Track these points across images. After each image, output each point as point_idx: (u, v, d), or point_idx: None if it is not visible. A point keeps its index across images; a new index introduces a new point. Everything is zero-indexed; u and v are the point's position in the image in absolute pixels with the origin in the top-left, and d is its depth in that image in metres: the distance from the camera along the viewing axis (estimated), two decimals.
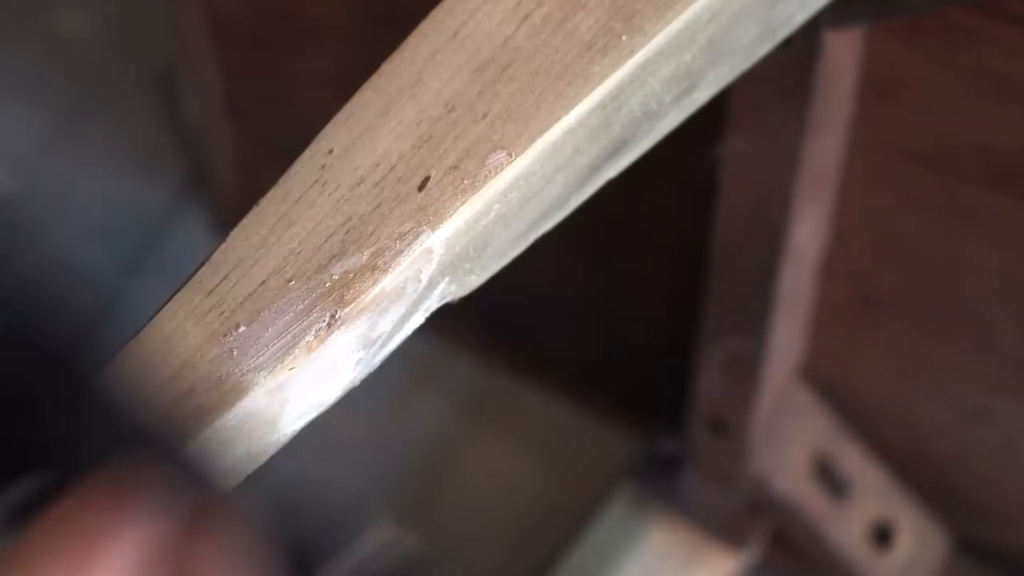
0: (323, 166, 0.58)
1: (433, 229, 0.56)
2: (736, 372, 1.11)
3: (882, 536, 1.21)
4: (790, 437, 1.19)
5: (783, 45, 0.69)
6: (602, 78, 0.59)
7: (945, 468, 1.19)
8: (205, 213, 1.57)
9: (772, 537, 1.26)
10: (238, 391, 0.53)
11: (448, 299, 0.59)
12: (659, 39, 0.60)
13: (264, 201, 0.57)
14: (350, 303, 0.54)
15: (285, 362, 0.53)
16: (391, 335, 0.57)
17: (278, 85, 1.38)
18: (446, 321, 0.61)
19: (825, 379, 1.19)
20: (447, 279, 0.58)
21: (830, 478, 1.19)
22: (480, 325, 1.42)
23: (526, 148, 0.58)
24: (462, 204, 0.57)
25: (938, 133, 0.99)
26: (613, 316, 1.36)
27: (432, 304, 0.58)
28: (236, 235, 0.57)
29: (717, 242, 1.05)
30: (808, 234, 1.04)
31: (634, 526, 1.29)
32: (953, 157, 0.99)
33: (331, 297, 0.54)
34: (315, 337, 0.54)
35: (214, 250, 0.56)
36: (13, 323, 0.38)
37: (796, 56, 0.88)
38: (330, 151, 0.58)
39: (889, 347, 1.15)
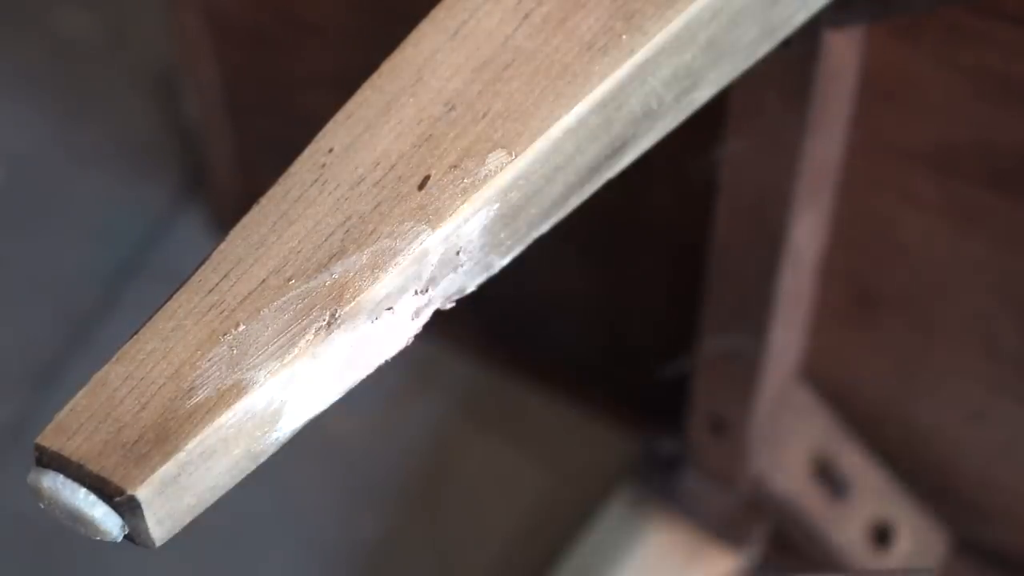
0: (323, 165, 0.58)
1: (433, 228, 0.56)
2: (736, 372, 1.11)
3: (882, 536, 1.21)
4: (790, 437, 1.19)
5: (783, 45, 0.69)
6: (602, 77, 0.59)
7: (945, 468, 1.19)
8: (205, 213, 1.57)
9: (772, 537, 1.26)
10: (238, 390, 0.53)
11: None
12: (659, 38, 0.60)
13: (264, 200, 0.57)
14: (350, 302, 0.54)
15: (285, 361, 0.53)
16: None
17: (278, 85, 1.38)
18: (446, 321, 0.61)
19: (825, 379, 1.19)
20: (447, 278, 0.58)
21: (830, 478, 1.19)
22: (480, 325, 1.42)
23: (526, 147, 0.58)
24: (462, 203, 0.57)
25: (938, 133, 0.99)
26: (613, 316, 1.36)
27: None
28: (236, 234, 0.56)
29: (717, 242, 1.05)
30: (807, 234, 1.04)
31: (634, 526, 1.29)
32: (953, 157, 0.99)
33: (331, 296, 0.54)
34: (315, 336, 0.54)
35: (214, 249, 0.56)
36: None
37: (796, 56, 0.88)
38: (330, 150, 0.58)
39: (889, 347, 1.15)
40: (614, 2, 0.61)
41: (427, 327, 0.59)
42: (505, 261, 0.60)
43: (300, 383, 0.54)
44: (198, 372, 0.53)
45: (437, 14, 0.61)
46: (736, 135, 0.96)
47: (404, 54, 0.60)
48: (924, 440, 1.19)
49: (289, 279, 0.55)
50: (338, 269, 0.55)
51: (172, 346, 0.54)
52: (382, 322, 0.56)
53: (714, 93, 0.66)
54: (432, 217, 0.56)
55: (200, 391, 0.53)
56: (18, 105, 1.65)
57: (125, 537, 0.53)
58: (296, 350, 0.53)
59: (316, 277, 0.55)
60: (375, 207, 0.56)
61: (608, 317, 1.36)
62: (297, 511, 1.41)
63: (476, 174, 0.57)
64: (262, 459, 0.55)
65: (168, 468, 0.51)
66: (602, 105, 0.59)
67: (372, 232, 0.56)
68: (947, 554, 1.24)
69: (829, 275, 1.11)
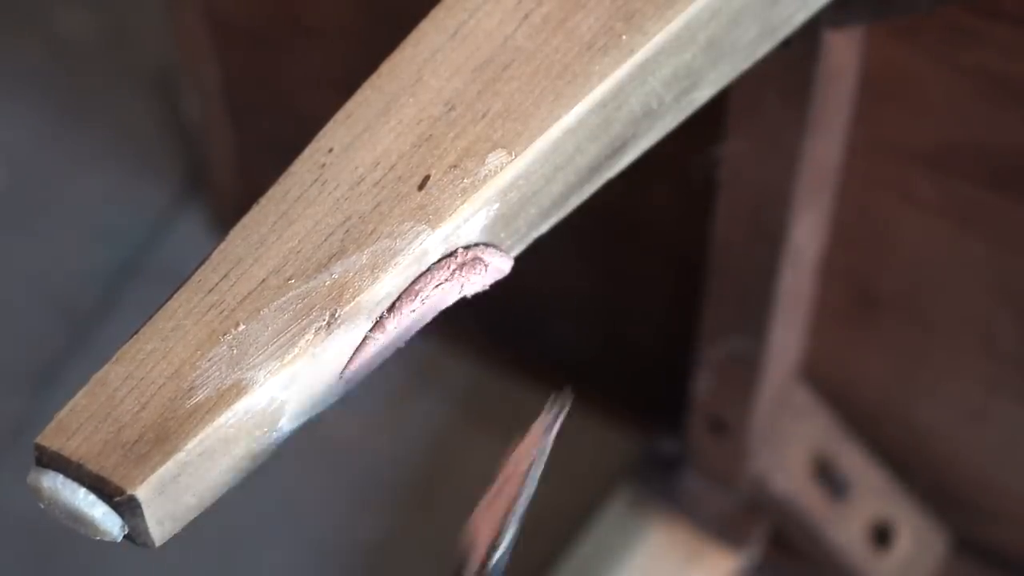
0: (323, 165, 0.58)
1: (433, 228, 0.56)
2: (736, 372, 1.11)
3: (881, 536, 1.21)
4: (790, 437, 1.19)
5: (783, 45, 0.69)
6: (602, 77, 0.59)
7: (945, 468, 1.19)
8: (205, 213, 1.57)
9: (772, 537, 1.26)
10: (238, 390, 0.53)
11: None
12: (659, 38, 0.60)
13: (264, 200, 0.57)
14: (350, 302, 0.54)
15: (285, 361, 0.53)
16: None
17: (278, 85, 1.38)
18: (446, 321, 0.61)
19: (825, 379, 1.19)
20: None
21: (830, 478, 1.19)
22: (480, 325, 1.42)
23: (526, 147, 0.58)
24: (462, 203, 0.57)
25: (938, 133, 0.99)
26: (613, 316, 1.36)
27: None
28: (236, 233, 0.56)
29: (717, 242, 1.05)
30: (807, 234, 1.04)
31: (634, 526, 1.29)
32: (953, 157, 0.99)
33: (331, 296, 0.54)
34: (315, 336, 0.54)
35: (214, 249, 0.56)
36: None
37: (796, 56, 0.88)
38: (330, 150, 0.58)
39: (889, 347, 1.15)
40: (614, 2, 0.61)
41: (427, 327, 0.59)
42: None
43: (300, 383, 0.54)
44: (198, 372, 0.53)
45: (437, 14, 0.61)
46: (736, 135, 0.96)
47: (404, 54, 0.60)
48: (924, 440, 1.19)
49: (289, 279, 0.55)
50: (338, 269, 0.55)
51: (172, 346, 0.54)
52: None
53: (714, 93, 0.66)
54: (432, 217, 0.56)
55: (200, 391, 0.53)
56: (18, 105, 1.65)
57: (125, 537, 0.52)
58: (296, 350, 0.54)
59: (316, 277, 0.55)
60: (375, 207, 0.56)
61: (608, 317, 1.36)
62: (297, 511, 1.41)
63: (476, 174, 0.57)
64: (262, 459, 0.55)
65: (168, 468, 0.51)
66: (602, 105, 0.60)
67: (372, 232, 0.56)
68: (947, 554, 1.24)
69: (829, 275, 1.11)
